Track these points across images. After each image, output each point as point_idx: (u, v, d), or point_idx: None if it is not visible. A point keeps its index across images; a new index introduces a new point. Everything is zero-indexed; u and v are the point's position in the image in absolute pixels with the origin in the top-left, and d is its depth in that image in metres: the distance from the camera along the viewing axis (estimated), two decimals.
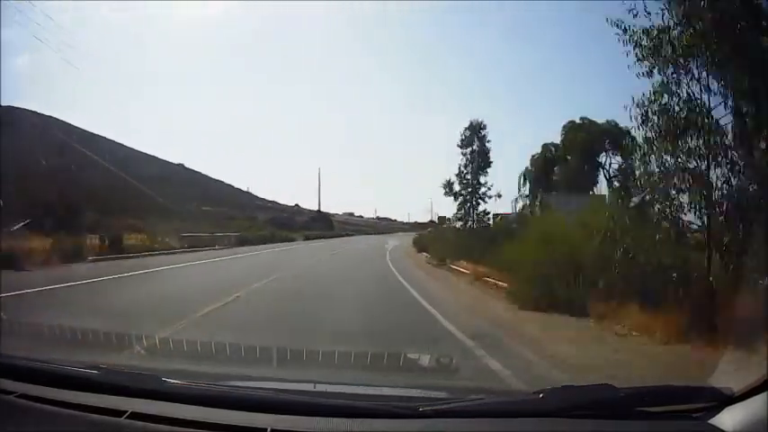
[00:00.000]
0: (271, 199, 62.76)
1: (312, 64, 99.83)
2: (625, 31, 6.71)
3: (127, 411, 1.43)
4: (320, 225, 59.76)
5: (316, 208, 72.62)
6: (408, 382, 2.73)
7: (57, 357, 1.83)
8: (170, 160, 48.80)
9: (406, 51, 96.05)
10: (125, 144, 42.41)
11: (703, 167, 6.27)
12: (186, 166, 50.36)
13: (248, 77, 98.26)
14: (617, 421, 1.41)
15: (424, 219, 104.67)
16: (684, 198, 6.41)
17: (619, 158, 24.43)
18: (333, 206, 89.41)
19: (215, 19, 71.79)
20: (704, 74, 6.40)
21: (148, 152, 45.44)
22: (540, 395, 1.45)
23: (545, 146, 29.16)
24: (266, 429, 1.34)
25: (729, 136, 6.39)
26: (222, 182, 51.89)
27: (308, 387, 2.05)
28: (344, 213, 77.38)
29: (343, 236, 55.81)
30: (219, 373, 2.61)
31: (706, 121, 6.23)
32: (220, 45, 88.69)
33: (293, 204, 64.59)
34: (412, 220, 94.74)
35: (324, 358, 3.61)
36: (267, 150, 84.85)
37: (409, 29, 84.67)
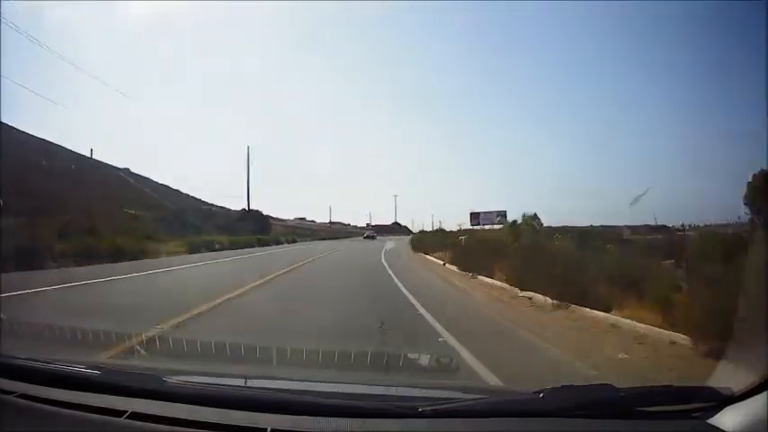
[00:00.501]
0: (220, 204, 53.05)
1: (259, 66, 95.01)
2: None
3: (127, 411, 1.43)
4: (250, 227, 41.17)
5: (280, 214, 62.49)
6: (408, 382, 2.73)
7: (57, 357, 1.83)
8: (115, 164, 42.83)
9: (359, 52, 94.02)
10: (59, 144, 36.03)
11: None
12: (132, 170, 44.99)
13: (205, 82, 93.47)
14: (617, 421, 1.41)
15: (385, 221, 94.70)
16: None
17: None
18: (284, 211, 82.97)
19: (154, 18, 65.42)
20: None
21: (86, 154, 37.62)
22: (541, 395, 1.45)
23: None
24: (266, 429, 1.34)
25: None
26: (168, 186, 45.82)
27: (308, 387, 2.05)
28: (296, 218, 70.43)
29: (279, 243, 39.57)
30: (220, 372, 2.61)
31: None
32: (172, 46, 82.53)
33: (240, 209, 52.10)
34: (373, 224, 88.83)
35: (324, 358, 3.61)
36: (227, 157, 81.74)
37: (368, 28, 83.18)
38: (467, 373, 4.04)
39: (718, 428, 1.33)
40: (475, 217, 43.16)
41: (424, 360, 3.72)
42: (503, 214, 42.03)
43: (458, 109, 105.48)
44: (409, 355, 3.77)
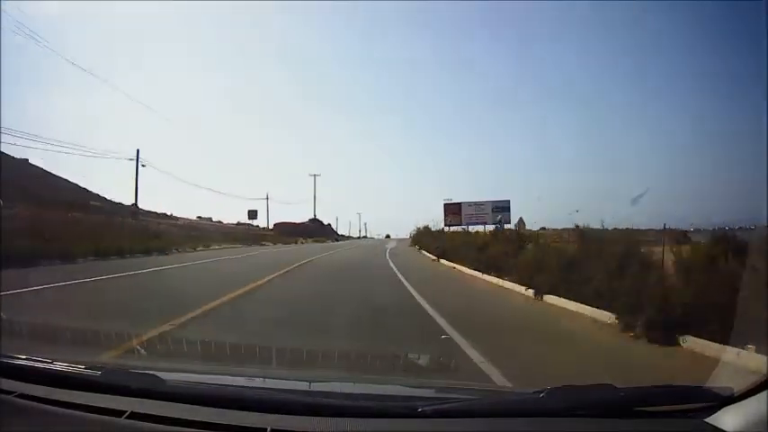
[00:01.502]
0: (109, 197, 42.48)
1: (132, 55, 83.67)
2: None
3: (127, 411, 1.43)
4: None
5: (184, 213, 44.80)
6: (408, 382, 2.73)
7: (57, 357, 1.83)
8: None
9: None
10: None
11: None
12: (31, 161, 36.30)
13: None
14: (617, 421, 1.41)
15: (297, 218, 65.67)
16: None
17: None
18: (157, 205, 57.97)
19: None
20: None
21: None
22: (541, 395, 1.45)
23: None
24: (266, 429, 1.34)
25: None
26: (67, 180, 38.50)
27: (308, 387, 2.05)
28: (198, 218, 53.91)
29: None
30: (220, 372, 2.61)
31: None
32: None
33: (131, 204, 41.38)
34: (280, 220, 61.87)
35: (323, 358, 3.61)
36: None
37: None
38: None
39: (718, 428, 1.33)
40: (453, 211, 28.64)
41: (424, 360, 3.72)
42: (503, 206, 27.98)
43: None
44: (409, 355, 3.77)
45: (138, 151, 35.68)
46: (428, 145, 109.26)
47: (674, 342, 5.34)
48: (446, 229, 28.88)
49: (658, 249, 7.83)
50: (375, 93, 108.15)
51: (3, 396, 1.54)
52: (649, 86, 58.89)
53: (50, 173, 37.83)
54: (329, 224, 78.98)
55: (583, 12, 51.52)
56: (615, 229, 9.33)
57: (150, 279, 12.63)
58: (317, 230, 62.69)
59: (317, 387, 2.06)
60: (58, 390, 1.57)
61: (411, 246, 34.37)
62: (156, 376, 1.66)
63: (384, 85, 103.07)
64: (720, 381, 1.58)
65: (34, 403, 1.51)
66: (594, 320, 6.80)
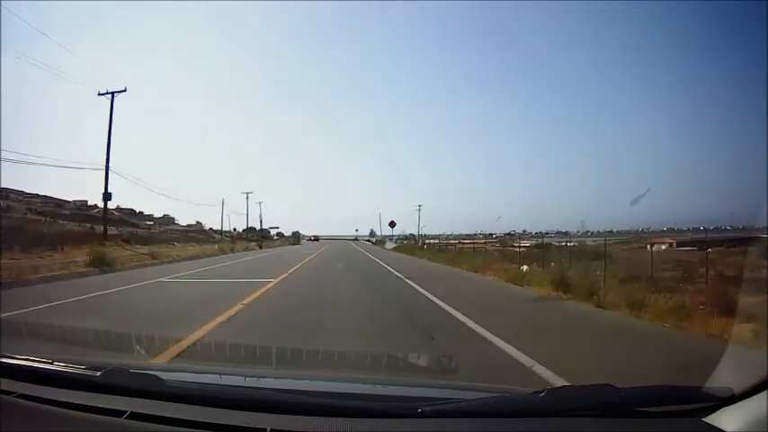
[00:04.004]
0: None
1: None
2: None
3: (127, 411, 1.43)
4: None
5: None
6: (408, 382, 2.73)
7: (58, 357, 1.83)
8: None
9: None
10: None
11: None
12: None
13: None
14: (617, 421, 1.41)
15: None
16: None
17: None
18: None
19: None
20: None
21: None
22: (541, 395, 1.45)
23: None
24: (266, 429, 1.34)
25: None
26: None
27: (308, 387, 2.05)
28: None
29: None
30: (219, 372, 2.61)
31: None
32: None
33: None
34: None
35: (323, 358, 3.61)
36: None
37: None
38: None
39: (718, 428, 1.33)
40: None
41: (424, 360, 3.73)
42: None
43: None
44: (409, 355, 3.78)
45: None
46: None
47: None
48: None
49: None
50: None
51: (3, 396, 1.54)
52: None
53: None
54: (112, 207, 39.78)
55: (581, 14, 51.42)
56: None
57: None
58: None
59: (316, 387, 2.06)
60: (58, 390, 1.57)
61: None
62: (156, 376, 1.66)
63: None
64: (720, 381, 1.58)
65: (34, 403, 1.51)
66: None
